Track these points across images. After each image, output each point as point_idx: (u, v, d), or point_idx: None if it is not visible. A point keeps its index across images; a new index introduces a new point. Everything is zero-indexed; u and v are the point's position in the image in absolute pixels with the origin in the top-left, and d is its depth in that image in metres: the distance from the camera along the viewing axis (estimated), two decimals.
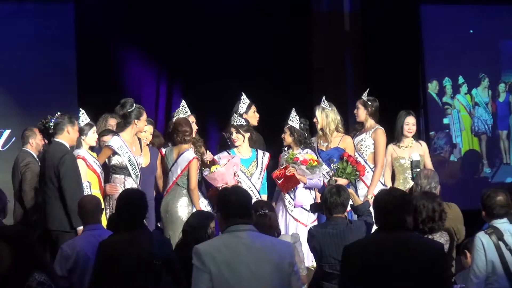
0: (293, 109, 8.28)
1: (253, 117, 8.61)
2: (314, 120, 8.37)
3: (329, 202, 6.22)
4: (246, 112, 8.52)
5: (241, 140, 8.24)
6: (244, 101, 8.55)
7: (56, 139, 7.57)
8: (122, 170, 7.93)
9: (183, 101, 8.62)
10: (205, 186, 8.37)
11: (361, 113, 8.65)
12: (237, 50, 11.34)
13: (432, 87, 11.98)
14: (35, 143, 8.78)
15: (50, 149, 7.62)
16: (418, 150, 8.47)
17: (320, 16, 12.05)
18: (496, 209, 5.63)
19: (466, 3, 12.17)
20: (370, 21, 11.82)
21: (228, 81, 11.10)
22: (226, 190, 4.56)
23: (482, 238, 5.58)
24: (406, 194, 4.70)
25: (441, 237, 5.62)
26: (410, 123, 8.52)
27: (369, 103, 8.63)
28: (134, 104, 7.95)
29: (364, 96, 8.67)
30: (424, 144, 8.68)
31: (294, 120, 8.22)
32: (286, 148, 8.31)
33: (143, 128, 8.14)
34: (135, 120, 7.95)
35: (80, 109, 8.18)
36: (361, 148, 8.56)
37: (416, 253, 4.27)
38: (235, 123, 8.24)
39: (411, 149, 8.47)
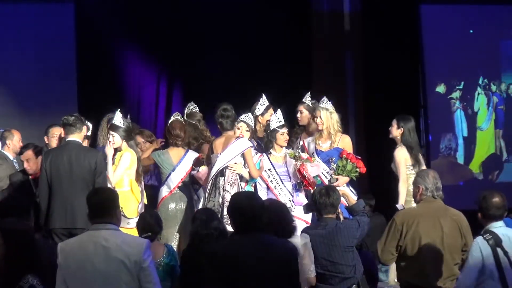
0: (278, 110, 8.07)
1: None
2: (318, 121, 8.26)
3: (319, 203, 6.24)
4: (263, 114, 8.37)
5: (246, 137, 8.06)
6: (262, 103, 8.39)
7: (73, 138, 7.47)
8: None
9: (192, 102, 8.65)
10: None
11: (305, 118, 8.55)
12: (237, 50, 11.34)
13: (440, 88, 12.01)
14: (12, 144, 8.82)
15: (74, 147, 7.47)
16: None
17: (320, 16, 12.07)
18: (492, 210, 5.59)
19: (466, 3, 12.15)
20: (370, 21, 11.82)
21: (228, 81, 11.13)
22: (90, 192, 4.88)
23: (480, 244, 5.56)
24: (259, 196, 4.97)
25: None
26: None
27: (312, 107, 8.50)
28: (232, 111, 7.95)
29: (307, 100, 8.58)
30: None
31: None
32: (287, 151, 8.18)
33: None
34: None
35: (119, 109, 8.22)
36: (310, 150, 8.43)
37: (275, 255, 4.46)
38: (245, 120, 7.86)
39: None
